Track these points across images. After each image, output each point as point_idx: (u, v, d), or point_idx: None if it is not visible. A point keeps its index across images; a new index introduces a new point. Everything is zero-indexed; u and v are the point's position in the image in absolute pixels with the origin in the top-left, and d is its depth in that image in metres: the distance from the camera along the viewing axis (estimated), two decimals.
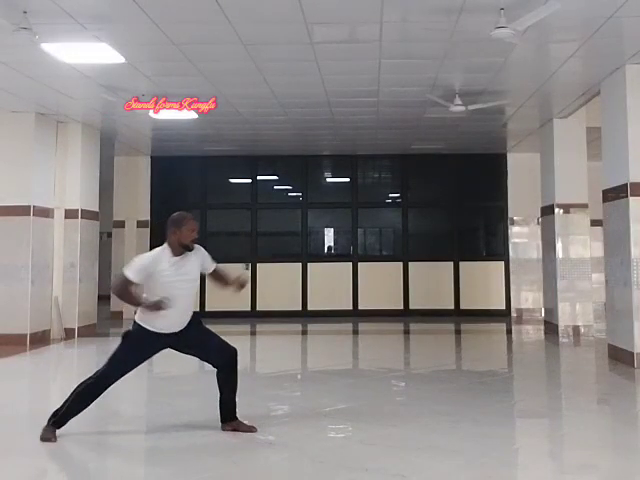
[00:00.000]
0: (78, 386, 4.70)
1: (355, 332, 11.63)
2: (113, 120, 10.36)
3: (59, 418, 4.63)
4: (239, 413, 4.82)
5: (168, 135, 11.50)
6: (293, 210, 13.90)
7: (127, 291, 4.61)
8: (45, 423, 4.64)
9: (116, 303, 13.38)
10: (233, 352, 4.80)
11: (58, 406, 4.69)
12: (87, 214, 10.53)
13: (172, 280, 4.61)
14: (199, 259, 4.75)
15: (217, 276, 4.94)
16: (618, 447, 4.70)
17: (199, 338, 4.81)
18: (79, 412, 4.67)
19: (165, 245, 4.68)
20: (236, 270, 12.56)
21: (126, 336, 4.71)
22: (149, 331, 4.64)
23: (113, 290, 4.76)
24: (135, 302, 4.67)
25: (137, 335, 4.68)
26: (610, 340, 8.20)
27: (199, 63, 7.42)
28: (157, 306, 4.49)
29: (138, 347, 4.70)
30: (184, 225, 4.66)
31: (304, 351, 10.10)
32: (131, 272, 4.57)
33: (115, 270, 13.45)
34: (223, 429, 4.77)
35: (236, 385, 4.80)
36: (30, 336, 9.38)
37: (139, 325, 4.67)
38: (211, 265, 4.87)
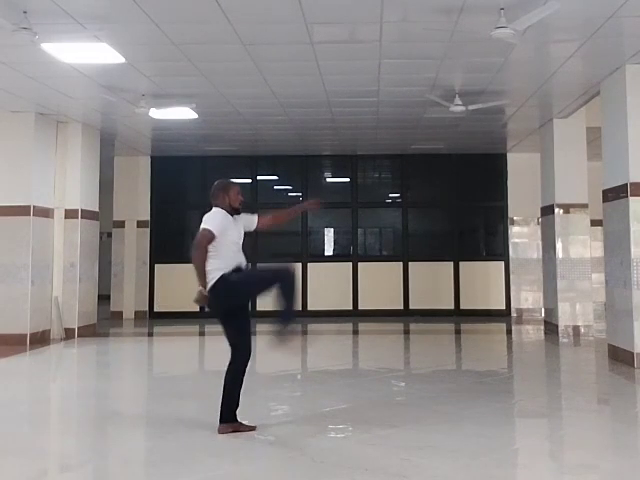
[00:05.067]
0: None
1: (355, 332, 11.63)
2: (113, 120, 10.36)
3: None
4: (241, 413, 4.82)
5: (168, 135, 11.50)
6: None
7: (205, 250, 4.61)
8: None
9: (116, 303, 13.43)
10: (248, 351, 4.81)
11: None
12: (87, 214, 10.53)
13: (235, 239, 4.77)
14: (242, 221, 4.93)
15: (268, 220, 5.09)
16: (618, 447, 4.70)
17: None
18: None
19: (217, 209, 4.80)
20: None
21: (224, 315, 4.73)
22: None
23: (197, 246, 4.64)
24: (203, 265, 4.62)
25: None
26: (610, 340, 8.20)
27: (199, 63, 7.43)
28: (201, 294, 4.60)
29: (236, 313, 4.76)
30: (231, 190, 4.86)
31: (304, 351, 10.10)
32: (212, 226, 4.65)
33: (115, 270, 13.50)
34: (221, 431, 4.68)
35: (240, 384, 4.77)
36: (30, 336, 9.38)
37: (218, 295, 4.63)
38: (253, 218, 5.01)
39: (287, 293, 4.69)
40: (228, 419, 4.73)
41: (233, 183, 4.97)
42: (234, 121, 10.39)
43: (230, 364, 4.76)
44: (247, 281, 4.87)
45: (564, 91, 8.83)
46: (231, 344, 4.78)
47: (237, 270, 4.73)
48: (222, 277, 4.65)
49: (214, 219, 4.74)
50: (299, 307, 4.87)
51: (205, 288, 4.62)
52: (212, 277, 4.65)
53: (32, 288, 9.50)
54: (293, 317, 4.74)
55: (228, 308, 4.76)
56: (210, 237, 4.64)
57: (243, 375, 4.77)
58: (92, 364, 8.64)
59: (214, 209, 4.85)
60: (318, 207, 5.18)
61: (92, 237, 10.77)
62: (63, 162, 10.31)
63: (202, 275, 4.62)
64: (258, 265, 4.74)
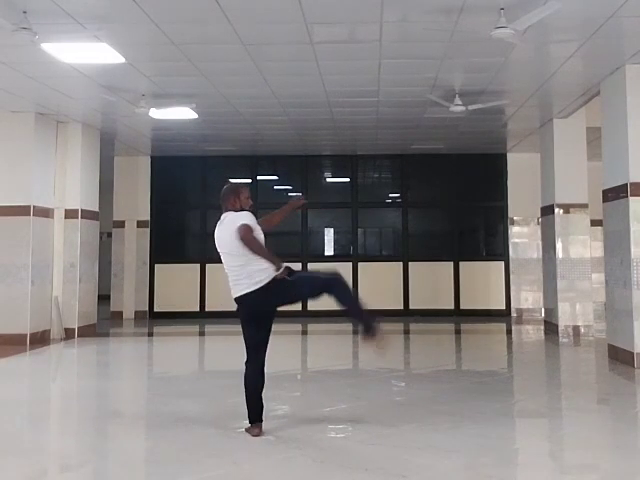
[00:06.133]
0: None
1: (355, 332, 11.61)
2: (113, 120, 10.36)
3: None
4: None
5: (168, 135, 11.50)
6: (293, 210, 13.86)
7: (255, 238, 4.55)
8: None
9: (116, 303, 13.43)
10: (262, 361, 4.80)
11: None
12: (87, 214, 10.53)
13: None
14: None
15: (261, 224, 4.98)
16: (618, 447, 4.70)
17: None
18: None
19: (231, 212, 4.74)
20: None
21: (261, 315, 4.79)
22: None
23: (246, 240, 4.52)
24: (262, 248, 4.54)
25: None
26: (610, 340, 8.20)
27: (199, 63, 7.43)
28: (279, 266, 4.52)
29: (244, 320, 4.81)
30: (241, 193, 4.81)
31: (304, 351, 10.10)
32: (249, 222, 4.57)
33: (115, 270, 13.50)
34: (251, 433, 4.67)
35: (259, 385, 4.76)
36: (30, 336, 9.39)
37: (270, 292, 4.64)
38: None
39: (343, 299, 4.68)
40: (255, 420, 4.71)
41: (243, 186, 4.90)
42: (234, 121, 10.39)
43: (250, 366, 4.74)
44: (301, 282, 4.79)
45: (564, 91, 8.83)
46: (253, 345, 4.76)
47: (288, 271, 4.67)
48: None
49: (247, 218, 4.63)
50: (366, 307, 4.77)
51: (278, 266, 4.52)
52: (266, 276, 4.57)
53: (32, 288, 9.50)
54: (366, 317, 4.67)
55: (274, 307, 4.79)
56: (251, 231, 4.55)
57: (263, 374, 4.75)
58: (92, 364, 8.64)
59: (233, 212, 4.71)
60: (303, 202, 5.24)
61: (92, 237, 10.77)
62: (63, 162, 10.32)
63: (269, 256, 4.53)
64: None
